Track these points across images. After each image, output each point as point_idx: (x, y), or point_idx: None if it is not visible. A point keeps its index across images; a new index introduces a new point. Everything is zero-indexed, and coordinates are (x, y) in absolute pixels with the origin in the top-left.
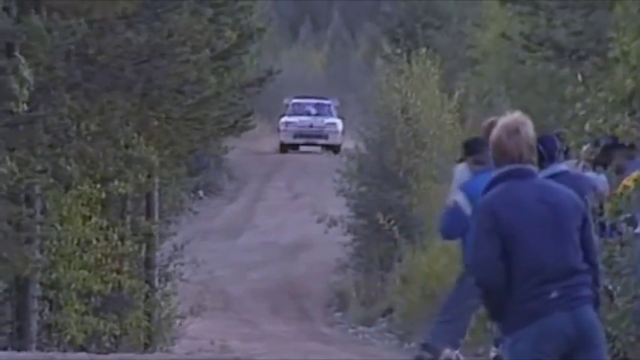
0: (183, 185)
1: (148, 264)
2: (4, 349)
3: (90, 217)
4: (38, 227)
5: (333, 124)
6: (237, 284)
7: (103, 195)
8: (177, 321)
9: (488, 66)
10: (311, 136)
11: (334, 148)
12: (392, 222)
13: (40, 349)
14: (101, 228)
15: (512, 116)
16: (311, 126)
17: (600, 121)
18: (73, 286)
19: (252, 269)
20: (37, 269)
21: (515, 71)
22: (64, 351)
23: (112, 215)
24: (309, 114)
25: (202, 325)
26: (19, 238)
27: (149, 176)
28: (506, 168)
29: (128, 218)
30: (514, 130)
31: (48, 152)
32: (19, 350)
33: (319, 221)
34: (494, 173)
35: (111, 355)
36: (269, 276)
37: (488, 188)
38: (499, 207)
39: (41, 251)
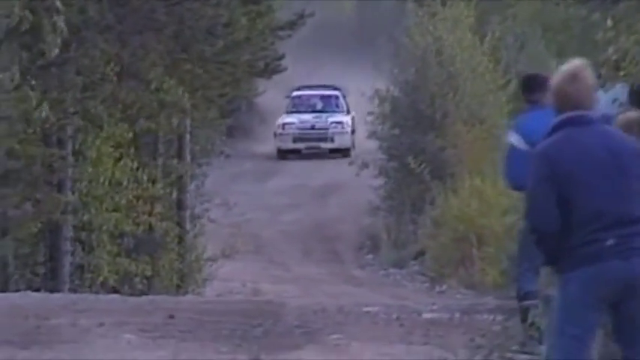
0: (215, 128)
1: (180, 206)
2: (37, 290)
3: (120, 159)
4: (70, 169)
5: (340, 123)
6: (269, 227)
7: (133, 136)
8: (209, 263)
9: (521, 8)
10: (313, 139)
11: (343, 152)
12: (423, 165)
13: (72, 290)
14: (132, 170)
15: (573, 63)
16: (312, 127)
17: (633, 64)
18: (104, 227)
19: (283, 212)
20: (69, 211)
21: (549, 13)
22: (97, 292)
23: (143, 157)
24: (313, 110)
25: (234, 267)
26: (51, 180)
27: (180, 119)
28: (566, 115)
29: (159, 160)
30: (574, 77)
31: (80, 95)
32: (51, 291)
33: (351, 164)
34: (555, 120)
35: (143, 297)
36: (300, 219)
37: (548, 135)
38: (557, 154)
39: (73, 193)
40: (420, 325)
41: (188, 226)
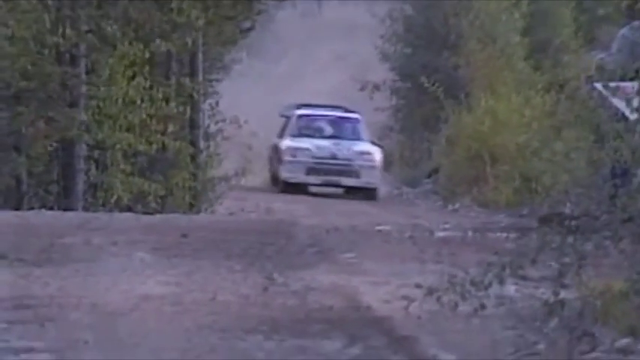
0: (228, 46)
1: (192, 125)
2: (51, 208)
3: (134, 78)
4: (84, 87)
5: (368, 153)
6: None
7: (147, 55)
8: (222, 182)
9: None
10: (333, 173)
11: (369, 193)
12: (437, 84)
13: (85, 209)
14: (144, 88)
15: None
16: (334, 157)
17: None
18: (118, 146)
19: None
20: (83, 130)
21: None
22: (110, 211)
23: (156, 76)
24: (326, 135)
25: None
26: (65, 98)
27: (194, 38)
28: None
29: (173, 79)
30: None
31: (93, 12)
32: (65, 210)
33: (362, 89)
34: None
35: (156, 216)
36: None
37: None
38: None
39: (86, 111)
40: (433, 244)
41: (201, 144)
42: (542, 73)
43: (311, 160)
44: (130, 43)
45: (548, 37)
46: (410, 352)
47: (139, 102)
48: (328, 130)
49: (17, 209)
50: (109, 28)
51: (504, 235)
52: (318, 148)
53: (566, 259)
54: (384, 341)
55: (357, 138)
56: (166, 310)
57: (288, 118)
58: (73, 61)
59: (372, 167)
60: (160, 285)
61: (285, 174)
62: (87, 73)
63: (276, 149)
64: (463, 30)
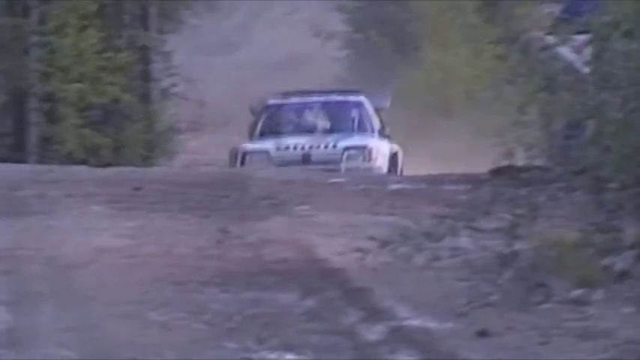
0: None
1: (145, 77)
2: (4, 161)
3: (85, 29)
4: (35, 37)
5: (364, 149)
6: (234, 101)
7: (96, 7)
8: (178, 136)
9: None
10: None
11: None
12: (386, 37)
13: (39, 162)
14: (96, 41)
15: None
16: (306, 160)
17: None
18: (69, 99)
19: (248, 85)
20: (35, 81)
21: None
22: (64, 164)
23: (108, 29)
24: (300, 129)
25: (202, 142)
26: (16, 48)
27: None
28: None
29: (125, 32)
30: None
31: None
32: (18, 162)
33: (316, 35)
34: None
35: (110, 169)
36: (267, 90)
37: None
38: None
39: (37, 62)
40: (387, 197)
41: (154, 97)
42: (493, 26)
43: (271, 169)
44: None
45: None
46: (365, 303)
47: (89, 54)
48: (308, 121)
49: None
50: None
51: (457, 187)
52: (282, 148)
53: (520, 211)
54: (339, 293)
55: (356, 128)
56: (122, 262)
57: (258, 111)
58: (25, 11)
59: (370, 171)
60: (115, 238)
61: None
62: (39, 23)
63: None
64: None
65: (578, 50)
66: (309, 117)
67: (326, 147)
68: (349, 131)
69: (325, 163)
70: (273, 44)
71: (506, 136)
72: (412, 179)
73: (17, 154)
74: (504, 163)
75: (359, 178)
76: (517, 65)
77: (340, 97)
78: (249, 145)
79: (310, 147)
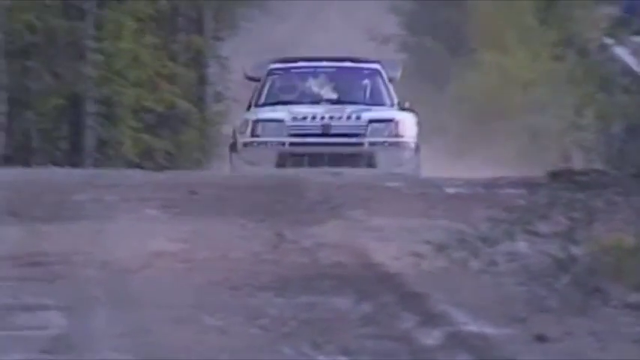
0: (236, 3)
1: (201, 82)
2: (60, 165)
3: (142, 32)
4: (91, 42)
5: (391, 122)
6: None
7: (153, 11)
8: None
9: None
10: (325, 160)
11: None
12: (441, 42)
13: (95, 165)
14: (153, 46)
15: None
16: (326, 132)
17: None
18: (126, 102)
19: None
20: (91, 85)
21: None
22: (119, 168)
23: (164, 32)
24: (313, 98)
25: None
26: (72, 53)
27: None
28: None
29: (180, 36)
30: None
31: None
32: (74, 166)
33: (372, 39)
34: None
35: (165, 173)
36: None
37: None
38: None
39: (93, 67)
40: (443, 201)
41: (210, 102)
42: (550, 27)
43: (286, 140)
44: None
45: None
46: (421, 308)
47: (145, 57)
48: (322, 89)
49: (26, 166)
50: None
51: (514, 191)
52: (299, 118)
53: (577, 215)
54: (395, 298)
55: (375, 101)
56: (177, 267)
57: (258, 80)
58: (81, 15)
59: (397, 146)
60: (170, 242)
61: (241, 167)
62: (94, 27)
63: (234, 132)
64: None
65: (635, 52)
66: (324, 85)
67: (349, 118)
68: (370, 103)
69: (347, 136)
70: (328, 48)
71: (564, 139)
72: (468, 183)
73: (73, 157)
74: (562, 166)
75: (415, 182)
76: (574, 67)
77: (356, 64)
78: (261, 114)
79: (331, 117)
